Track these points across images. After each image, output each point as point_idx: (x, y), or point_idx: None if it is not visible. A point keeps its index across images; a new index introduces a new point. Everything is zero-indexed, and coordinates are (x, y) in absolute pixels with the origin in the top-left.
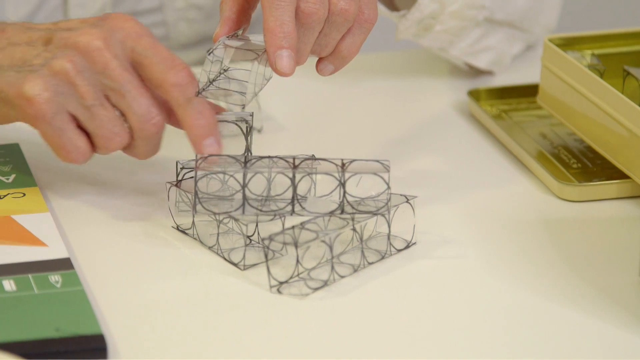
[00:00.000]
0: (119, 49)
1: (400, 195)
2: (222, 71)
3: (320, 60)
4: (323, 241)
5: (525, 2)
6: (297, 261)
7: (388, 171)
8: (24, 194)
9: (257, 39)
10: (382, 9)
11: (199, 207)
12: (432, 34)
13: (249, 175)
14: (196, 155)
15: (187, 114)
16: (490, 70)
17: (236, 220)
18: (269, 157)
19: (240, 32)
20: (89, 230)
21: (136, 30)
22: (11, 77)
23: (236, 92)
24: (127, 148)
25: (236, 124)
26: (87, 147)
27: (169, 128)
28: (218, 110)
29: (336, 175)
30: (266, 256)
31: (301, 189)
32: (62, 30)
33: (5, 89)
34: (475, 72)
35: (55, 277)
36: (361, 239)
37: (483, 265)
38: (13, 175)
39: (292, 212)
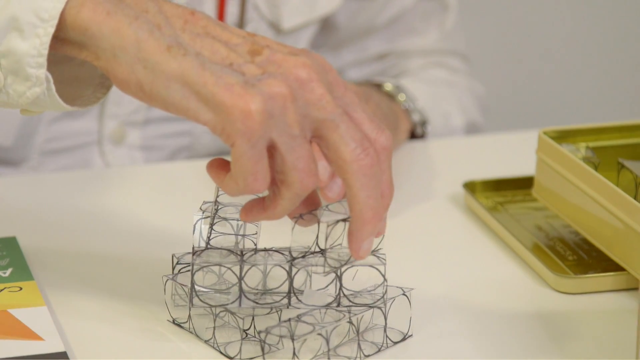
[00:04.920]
0: (328, 87)
1: (397, 287)
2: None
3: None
4: (319, 334)
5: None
6: (294, 354)
7: (384, 264)
8: (21, 288)
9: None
10: None
11: (195, 300)
12: None
13: (245, 268)
14: (193, 248)
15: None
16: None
17: (232, 313)
18: (264, 249)
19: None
20: (85, 324)
21: (338, 79)
22: (227, 77)
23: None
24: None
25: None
26: (269, 182)
27: (168, 221)
28: None
29: None
30: (262, 350)
31: (297, 282)
32: (268, 47)
33: (217, 90)
34: (470, 164)
35: None
36: (357, 331)
37: (479, 358)
38: (10, 269)
39: (289, 304)
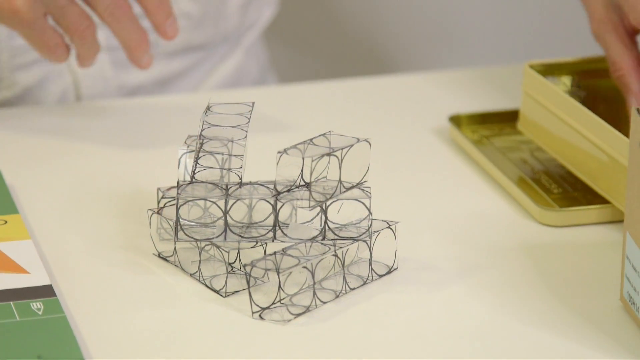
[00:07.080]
0: None
1: (382, 220)
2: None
3: None
4: (305, 267)
5: None
6: (279, 287)
7: (369, 197)
8: (6, 221)
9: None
10: None
11: (180, 234)
12: None
13: (230, 202)
14: (178, 182)
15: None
16: None
17: (218, 247)
18: (250, 183)
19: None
20: (70, 258)
21: None
22: None
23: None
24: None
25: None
26: (64, 43)
27: (153, 155)
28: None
29: None
30: (248, 282)
31: (283, 216)
32: None
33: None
34: (456, 97)
35: (37, 305)
36: (343, 264)
37: (465, 290)
38: None
39: (274, 238)
